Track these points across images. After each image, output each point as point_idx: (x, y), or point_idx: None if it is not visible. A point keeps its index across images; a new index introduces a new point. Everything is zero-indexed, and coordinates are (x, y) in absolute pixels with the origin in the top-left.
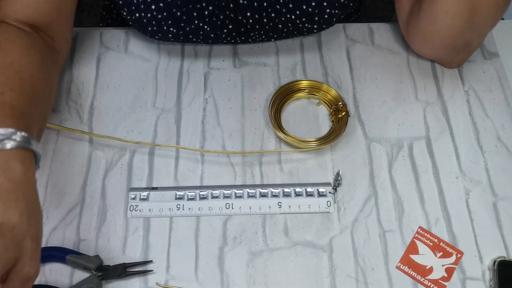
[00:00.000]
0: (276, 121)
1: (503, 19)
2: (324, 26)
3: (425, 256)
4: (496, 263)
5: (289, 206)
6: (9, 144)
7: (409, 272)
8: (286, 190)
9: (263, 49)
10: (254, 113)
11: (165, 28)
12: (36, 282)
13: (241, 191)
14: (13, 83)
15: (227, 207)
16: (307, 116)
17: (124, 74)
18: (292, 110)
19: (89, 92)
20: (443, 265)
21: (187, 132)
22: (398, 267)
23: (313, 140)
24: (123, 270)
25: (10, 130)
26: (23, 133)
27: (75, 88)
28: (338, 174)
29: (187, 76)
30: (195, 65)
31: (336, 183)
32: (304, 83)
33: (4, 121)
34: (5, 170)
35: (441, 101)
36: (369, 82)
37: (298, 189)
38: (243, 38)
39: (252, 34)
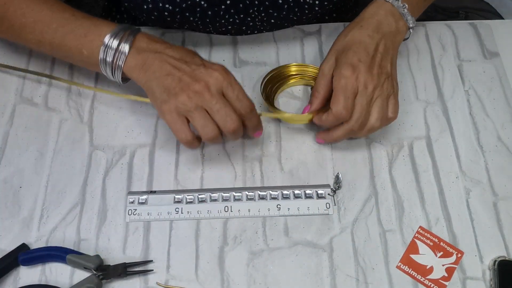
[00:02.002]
0: (268, 99)
1: (503, 18)
2: (325, 3)
3: (425, 256)
4: (497, 262)
5: (288, 209)
6: None
7: (409, 271)
8: (285, 192)
9: (263, 48)
10: None
11: (160, 5)
12: (36, 282)
13: (240, 194)
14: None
15: (226, 210)
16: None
17: None
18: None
19: (89, 92)
20: (443, 265)
21: None
22: (398, 267)
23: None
24: (124, 270)
25: None
26: None
27: (76, 88)
28: (337, 177)
29: None
30: None
31: (336, 186)
32: (293, 68)
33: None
34: None
35: (442, 100)
36: None
37: (297, 191)
38: (241, 16)
39: (251, 11)
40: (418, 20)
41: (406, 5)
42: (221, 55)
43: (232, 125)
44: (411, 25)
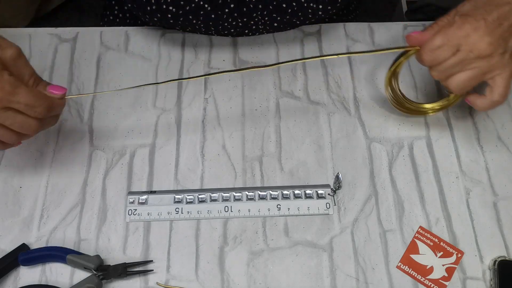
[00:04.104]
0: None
1: None
2: (329, 8)
3: (425, 256)
4: (497, 262)
5: (288, 209)
6: None
7: (409, 271)
8: (285, 192)
9: (263, 49)
10: (254, 112)
11: (164, 6)
12: (36, 282)
13: (240, 194)
14: None
15: (226, 210)
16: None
17: (124, 74)
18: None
19: (89, 92)
20: (443, 265)
21: (188, 132)
22: (398, 267)
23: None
24: (124, 270)
25: None
26: None
27: (76, 88)
28: (337, 177)
29: (188, 76)
30: (195, 65)
31: (336, 186)
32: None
33: None
34: None
35: None
36: (370, 81)
37: (297, 191)
38: (245, 19)
39: (255, 15)
40: (418, 20)
41: None
42: (221, 55)
43: (31, 131)
44: None
